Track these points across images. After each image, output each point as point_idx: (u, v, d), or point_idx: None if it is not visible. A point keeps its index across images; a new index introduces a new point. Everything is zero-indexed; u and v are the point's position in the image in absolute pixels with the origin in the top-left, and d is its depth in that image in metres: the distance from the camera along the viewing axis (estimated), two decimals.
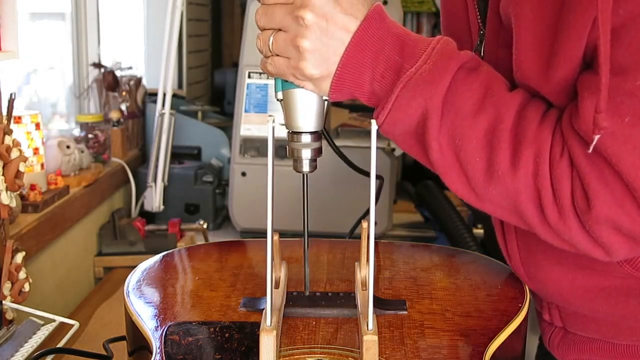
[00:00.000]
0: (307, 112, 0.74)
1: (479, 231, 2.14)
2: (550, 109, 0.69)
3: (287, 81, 0.73)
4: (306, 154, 0.75)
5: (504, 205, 0.70)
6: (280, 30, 0.71)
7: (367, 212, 1.10)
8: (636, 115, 0.62)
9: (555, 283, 0.81)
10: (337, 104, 2.72)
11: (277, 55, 0.72)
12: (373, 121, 0.67)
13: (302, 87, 0.73)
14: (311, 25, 0.68)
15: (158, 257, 0.95)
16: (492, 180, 0.68)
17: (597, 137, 0.62)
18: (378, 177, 1.00)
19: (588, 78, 0.64)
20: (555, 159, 0.66)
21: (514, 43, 0.69)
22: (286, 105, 0.75)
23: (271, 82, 2.12)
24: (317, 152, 0.75)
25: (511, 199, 0.69)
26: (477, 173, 0.69)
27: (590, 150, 0.63)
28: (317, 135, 0.75)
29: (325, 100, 0.75)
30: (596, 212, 0.64)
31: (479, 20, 0.81)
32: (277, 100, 0.75)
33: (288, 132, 0.76)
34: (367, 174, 0.92)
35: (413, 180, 2.57)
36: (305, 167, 0.75)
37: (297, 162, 0.75)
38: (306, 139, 0.74)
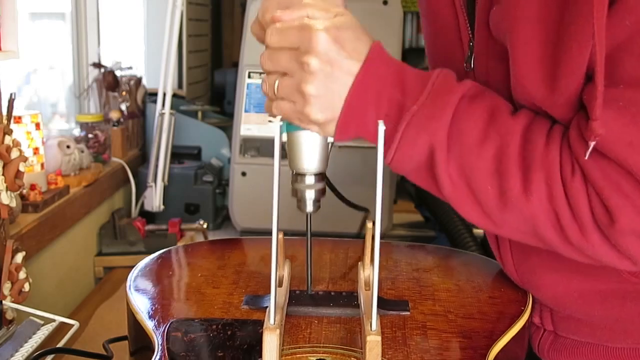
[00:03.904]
0: (312, 154, 0.74)
1: (479, 231, 2.14)
2: (554, 127, 0.69)
3: (291, 123, 0.73)
4: (310, 195, 0.75)
5: (522, 230, 0.70)
6: (285, 74, 0.70)
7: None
8: None
9: (550, 287, 0.81)
10: None
11: (283, 99, 0.71)
12: (380, 122, 0.67)
13: (308, 129, 0.73)
14: (316, 72, 0.68)
15: (160, 254, 0.95)
16: (507, 207, 0.68)
17: (592, 145, 0.62)
18: (363, 209, 1.00)
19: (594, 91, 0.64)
20: (567, 179, 0.66)
21: (511, 59, 0.69)
22: (290, 147, 0.75)
23: None
24: (321, 192, 0.76)
25: (529, 224, 0.68)
26: (490, 201, 0.69)
27: (586, 157, 0.63)
28: (321, 176, 0.75)
29: (330, 142, 0.75)
30: (620, 224, 0.64)
31: (469, 32, 0.81)
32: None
33: (292, 173, 0.76)
34: (363, 209, 0.93)
35: None
36: (309, 208, 0.75)
37: (300, 202, 0.76)
38: (310, 180, 0.74)
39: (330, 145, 0.75)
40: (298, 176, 0.75)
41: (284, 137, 0.75)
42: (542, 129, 0.69)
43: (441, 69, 0.71)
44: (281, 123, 0.69)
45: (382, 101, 0.70)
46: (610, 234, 0.65)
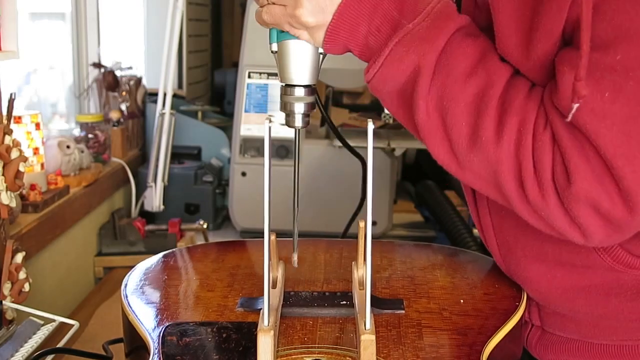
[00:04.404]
0: (302, 65, 0.73)
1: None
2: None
3: (282, 32, 0.73)
4: (299, 108, 0.74)
5: (484, 176, 0.69)
6: None
7: (358, 210, 1.09)
8: (616, 90, 0.62)
9: (535, 281, 0.81)
10: (337, 104, 2.72)
11: (273, 3, 0.71)
12: (369, 120, 0.67)
13: (297, 37, 0.72)
14: None
15: (155, 257, 0.95)
16: (475, 147, 0.68)
17: (575, 106, 0.62)
18: (359, 156, 0.99)
19: (568, 53, 0.64)
20: (538, 131, 0.66)
21: (494, 21, 0.69)
22: (280, 57, 0.74)
23: (271, 82, 2.12)
24: (310, 107, 0.74)
25: (492, 169, 0.68)
26: (460, 138, 0.68)
27: (568, 119, 0.63)
28: (310, 89, 0.74)
29: (321, 54, 0.74)
30: (576, 187, 0.63)
31: (455, 2, 0.81)
32: (272, 52, 0.74)
33: (282, 86, 0.75)
34: (356, 153, 0.91)
35: (413, 180, 2.57)
36: (298, 122, 0.74)
37: (289, 116, 0.74)
38: (299, 92, 0.73)
39: (321, 57, 0.74)
40: (287, 88, 0.74)
41: (274, 47, 0.74)
42: (528, 81, 0.69)
43: None
44: (270, 118, 0.68)
45: (376, 14, 0.69)
46: (565, 196, 0.65)
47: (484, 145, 0.67)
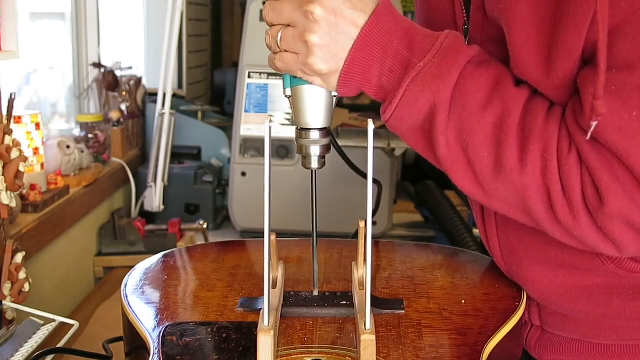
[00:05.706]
0: (316, 109, 0.74)
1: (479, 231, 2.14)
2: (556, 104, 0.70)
3: (295, 77, 0.73)
4: (315, 151, 0.75)
5: (511, 202, 0.70)
6: (288, 25, 0.71)
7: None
8: None
9: (537, 282, 0.81)
10: (337, 104, 2.72)
11: (286, 51, 0.72)
12: (370, 121, 0.67)
13: (311, 83, 0.73)
14: (320, 20, 0.68)
15: (156, 257, 0.95)
16: (500, 176, 0.68)
17: (594, 124, 0.62)
18: (376, 182, 1.00)
19: (590, 74, 0.64)
20: (563, 154, 0.66)
21: (508, 39, 0.69)
22: (295, 102, 0.75)
23: (271, 82, 2.12)
24: (326, 148, 0.75)
25: (519, 196, 0.68)
26: (484, 169, 0.69)
27: (587, 137, 0.63)
28: (325, 131, 0.75)
29: (334, 96, 0.75)
30: (609, 207, 0.64)
31: (464, 15, 0.81)
32: (286, 97, 0.75)
33: (296, 128, 0.76)
34: (369, 178, 0.92)
35: (413, 180, 2.57)
36: (314, 164, 0.75)
37: (305, 158, 0.75)
38: (315, 135, 0.74)
39: (334, 99, 0.75)
40: (303, 132, 0.75)
41: (288, 92, 0.75)
42: (544, 103, 0.69)
43: (450, 31, 0.71)
44: (270, 119, 0.69)
45: (387, 56, 0.70)
46: (598, 216, 0.65)
47: (508, 174, 0.67)
